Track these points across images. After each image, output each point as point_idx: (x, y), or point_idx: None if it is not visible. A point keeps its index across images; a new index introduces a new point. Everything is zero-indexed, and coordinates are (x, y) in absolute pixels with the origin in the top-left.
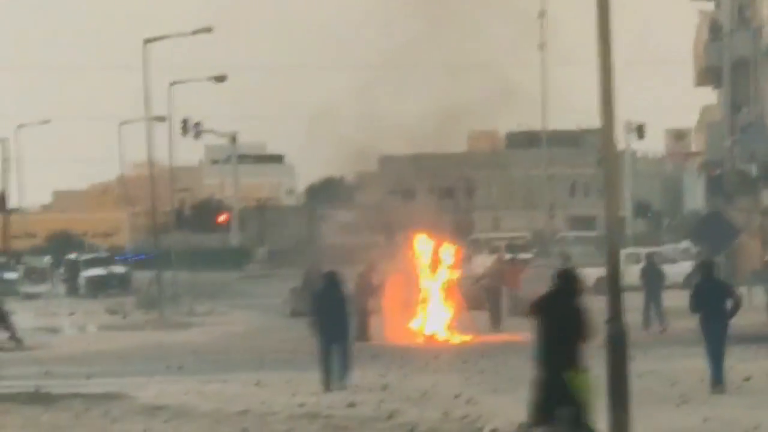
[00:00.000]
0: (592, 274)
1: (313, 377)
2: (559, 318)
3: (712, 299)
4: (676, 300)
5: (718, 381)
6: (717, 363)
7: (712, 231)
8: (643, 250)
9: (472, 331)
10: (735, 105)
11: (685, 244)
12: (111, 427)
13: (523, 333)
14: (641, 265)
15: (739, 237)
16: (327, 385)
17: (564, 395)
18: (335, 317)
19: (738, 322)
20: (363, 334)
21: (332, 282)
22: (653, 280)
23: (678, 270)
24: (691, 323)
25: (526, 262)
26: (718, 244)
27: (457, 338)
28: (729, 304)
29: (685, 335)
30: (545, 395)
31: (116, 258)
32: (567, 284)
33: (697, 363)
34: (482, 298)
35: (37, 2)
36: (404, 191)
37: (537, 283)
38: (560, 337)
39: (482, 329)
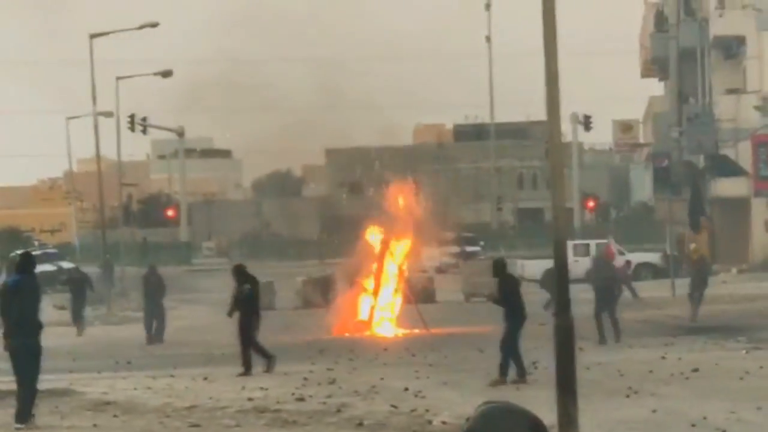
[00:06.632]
0: (539, 266)
1: (261, 371)
2: None
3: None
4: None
5: (505, 374)
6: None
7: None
8: (592, 242)
9: (421, 324)
10: (682, 96)
11: None
12: (60, 423)
13: (471, 326)
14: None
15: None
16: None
17: None
18: None
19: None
20: None
21: None
22: None
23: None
24: (638, 315)
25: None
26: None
27: (406, 331)
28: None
29: (634, 327)
30: None
31: None
32: None
33: (643, 355)
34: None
35: None
36: (351, 184)
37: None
38: None
39: (430, 322)
